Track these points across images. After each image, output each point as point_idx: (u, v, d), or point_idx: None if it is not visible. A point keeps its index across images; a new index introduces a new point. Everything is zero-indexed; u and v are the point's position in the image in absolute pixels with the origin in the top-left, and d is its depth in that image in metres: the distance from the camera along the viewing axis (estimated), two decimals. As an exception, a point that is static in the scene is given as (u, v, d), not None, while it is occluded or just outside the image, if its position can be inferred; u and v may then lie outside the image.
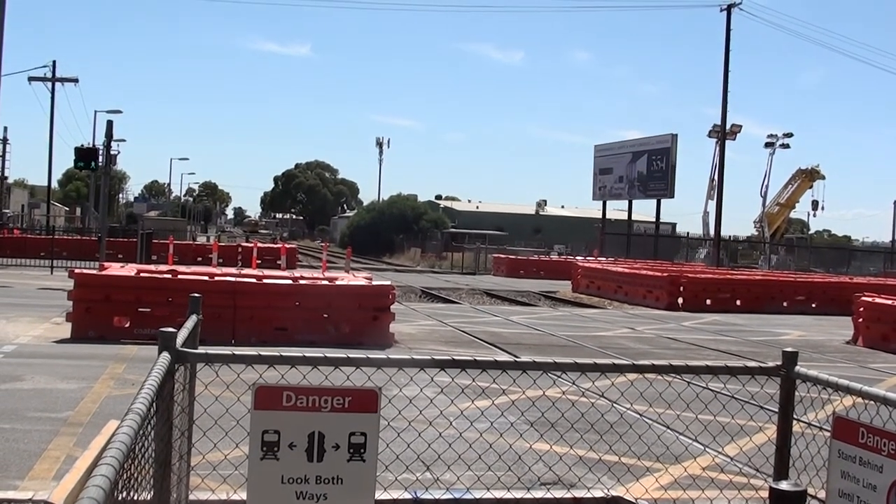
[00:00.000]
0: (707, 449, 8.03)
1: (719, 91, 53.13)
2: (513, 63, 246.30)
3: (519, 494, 5.97)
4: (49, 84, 58.21)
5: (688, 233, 74.16)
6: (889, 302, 19.82)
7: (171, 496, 4.03)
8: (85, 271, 17.32)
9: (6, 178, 70.42)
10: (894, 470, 3.77)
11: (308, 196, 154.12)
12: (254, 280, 16.13)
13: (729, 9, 52.11)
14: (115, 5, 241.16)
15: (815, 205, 71.54)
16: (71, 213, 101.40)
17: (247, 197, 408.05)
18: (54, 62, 58.35)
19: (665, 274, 30.56)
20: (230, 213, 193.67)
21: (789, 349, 4.73)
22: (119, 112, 57.31)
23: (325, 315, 15.45)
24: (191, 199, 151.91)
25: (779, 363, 4.70)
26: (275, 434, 3.81)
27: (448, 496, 6.02)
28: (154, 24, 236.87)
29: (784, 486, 4.09)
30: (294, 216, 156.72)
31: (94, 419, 8.47)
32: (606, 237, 62.53)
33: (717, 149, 57.92)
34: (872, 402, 4.20)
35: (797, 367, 4.65)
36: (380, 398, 3.91)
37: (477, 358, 4.44)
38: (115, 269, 16.99)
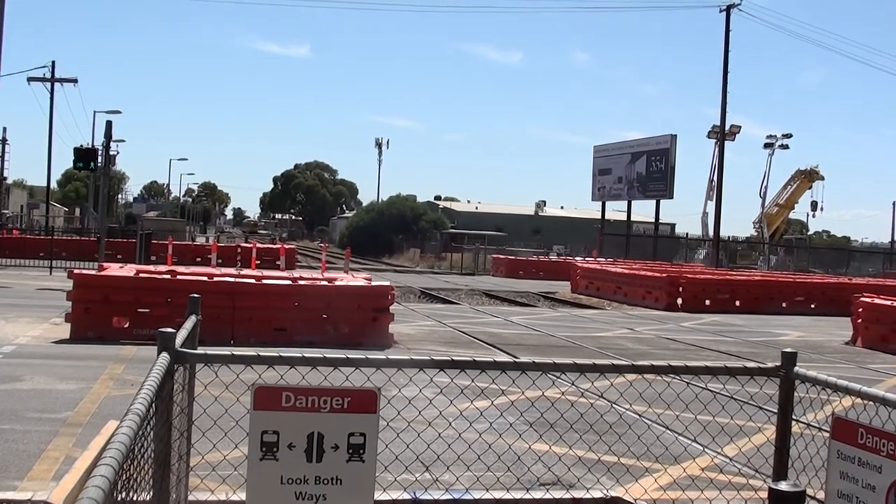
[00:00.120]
0: (706, 449, 8.03)
1: (719, 91, 53.21)
2: (512, 63, 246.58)
3: (518, 495, 5.97)
4: (48, 84, 58.10)
5: (687, 233, 74.26)
6: (888, 303, 19.83)
7: (170, 497, 4.03)
8: (84, 272, 17.31)
9: (5, 178, 70.39)
10: (893, 470, 3.77)
11: (307, 196, 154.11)
12: (253, 280, 16.12)
13: (728, 9, 52.14)
14: (114, 6, 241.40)
15: (814, 205, 71.61)
16: (70, 214, 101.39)
17: (246, 197, 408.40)
18: (53, 62, 58.34)
19: (664, 275, 30.57)
20: (229, 214, 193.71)
21: (788, 350, 4.73)
22: (118, 112, 57.13)
23: (325, 316, 15.44)
24: (190, 199, 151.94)
25: (778, 364, 4.70)
26: (274, 434, 3.81)
27: (447, 497, 6.03)
28: (153, 24, 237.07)
29: (783, 486, 4.09)
30: (293, 217, 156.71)
31: (94, 420, 8.47)
32: (606, 238, 62.53)
33: (717, 149, 57.97)
34: (871, 403, 4.20)
35: (796, 368, 4.65)
36: (379, 399, 3.91)
37: (476, 359, 4.44)
38: (115, 269, 16.98)
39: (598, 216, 69.94)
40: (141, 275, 15.77)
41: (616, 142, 69.48)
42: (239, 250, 40.57)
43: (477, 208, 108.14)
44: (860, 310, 20.10)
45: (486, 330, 18.84)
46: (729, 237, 70.27)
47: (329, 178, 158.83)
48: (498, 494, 5.98)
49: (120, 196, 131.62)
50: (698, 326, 22.56)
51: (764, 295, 29.15)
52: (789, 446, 4.67)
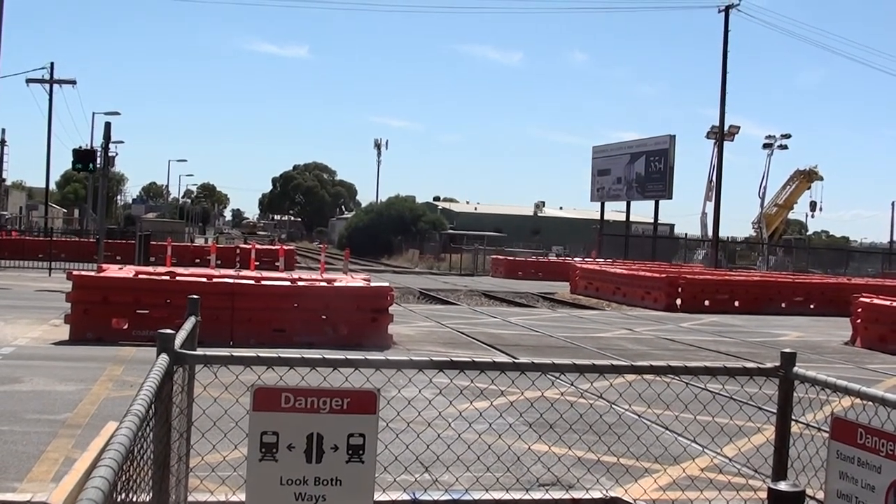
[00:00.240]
0: (705, 450, 8.04)
1: (717, 92, 53.19)
2: (511, 64, 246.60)
3: (517, 495, 5.97)
4: (47, 86, 58.14)
5: (686, 234, 74.29)
6: (887, 303, 19.84)
7: (169, 498, 4.04)
8: (83, 273, 17.32)
9: (4, 180, 70.35)
10: (892, 470, 3.77)
11: (306, 197, 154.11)
12: (252, 282, 16.13)
13: (727, 10, 52.15)
14: (112, 7, 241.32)
15: (813, 206, 71.64)
16: (69, 215, 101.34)
17: (245, 198, 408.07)
18: (52, 64, 58.32)
19: (663, 275, 30.58)
20: (228, 215, 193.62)
21: (787, 350, 4.74)
22: (117, 114, 57.14)
23: (324, 316, 15.45)
24: (189, 200, 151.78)
25: (777, 364, 4.70)
26: (273, 435, 3.81)
27: (447, 497, 6.03)
28: (152, 25, 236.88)
29: (782, 486, 4.09)
30: (292, 218, 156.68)
31: (93, 421, 8.47)
32: (604, 238, 62.53)
33: (716, 150, 57.95)
34: (871, 403, 4.21)
35: (795, 368, 4.65)
36: (378, 399, 3.91)
37: (475, 359, 4.44)
38: (114, 270, 16.97)
39: (597, 217, 69.96)
40: (140, 276, 15.77)
41: (615, 142, 69.53)
42: (238, 251, 40.55)
43: (476, 209, 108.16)
44: (859, 310, 20.11)
45: (485, 331, 18.84)
46: (728, 237, 70.36)
47: (328, 179, 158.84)
48: (497, 495, 5.98)
49: (119, 197, 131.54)
50: (697, 327, 22.57)
51: (763, 295, 29.16)
52: (788, 446, 4.67)
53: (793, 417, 4.74)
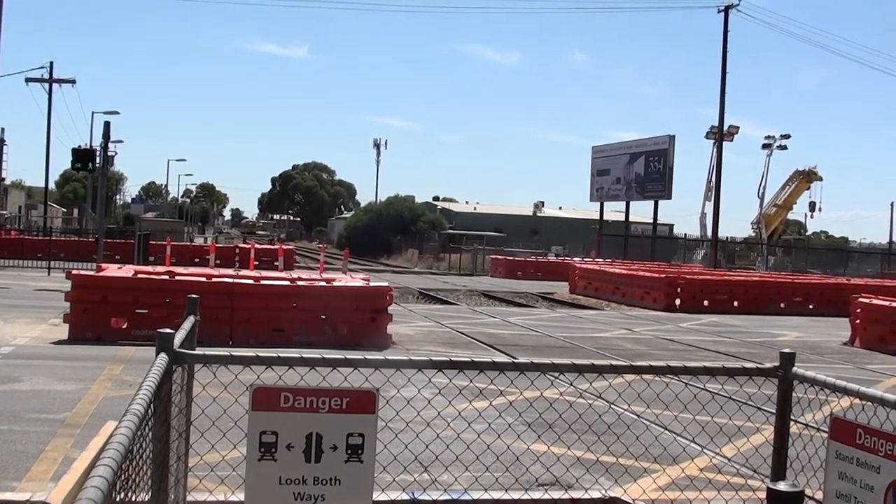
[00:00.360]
0: (704, 450, 8.04)
1: (717, 92, 53.15)
2: (510, 64, 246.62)
3: (516, 495, 5.98)
4: (46, 85, 58.11)
5: (685, 234, 74.28)
6: (886, 303, 19.84)
7: (168, 497, 4.04)
8: (82, 272, 17.32)
9: (3, 179, 70.29)
10: (892, 471, 3.77)
11: (305, 197, 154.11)
12: (251, 281, 16.12)
13: (726, 10, 52.14)
14: (112, 6, 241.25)
15: (812, 206, 71.69)
16: (68, 215, 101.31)
17: (244, 198, 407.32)
18: (52, 63, 58.30)
19: (662, 275, 30.57)
20: (227, 215, 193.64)
21: (787, 350, 4.74)
22: (116, 113, 57.00)
23: (323, 316, 15.44)
24: (188, 200, 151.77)
25: (776, 364, 4.71)
26: (272, 435, 3.81)
27: (446, 497, 6.03)
28: (151, 25, 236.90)
29: (782, 486, 4.10)
30: (291, 217, 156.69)
31: (92, 420, 8.47)
32: (604, 238, 62.54)
33: (715, 150, 57.98)
34: (870, 403, 4.21)
35: (794, 368, 4.66)
36: (377, 399, 3.91)
37: (474, 359, 4.44)
38: (113, 270, 16.97)
39: (597, 217, 69.94)
40: (139, 275, 15.76)
41: (614, 142, 69.52)
42: (237, 251, 40.56)
43: (475, 209, 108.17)
44: (858, 310, 20.11)
45: (485, 330, 18.84)
46: (727, 238, 70.30)
47: (327, 179, 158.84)
48: (496, 495, 5.98)
49: (118, 197, 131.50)
50: (696, 327, 22.58)
51: (762, 295, 29.17)
52: (787, 446, 4.67)
53: (792, 417, 4.75)
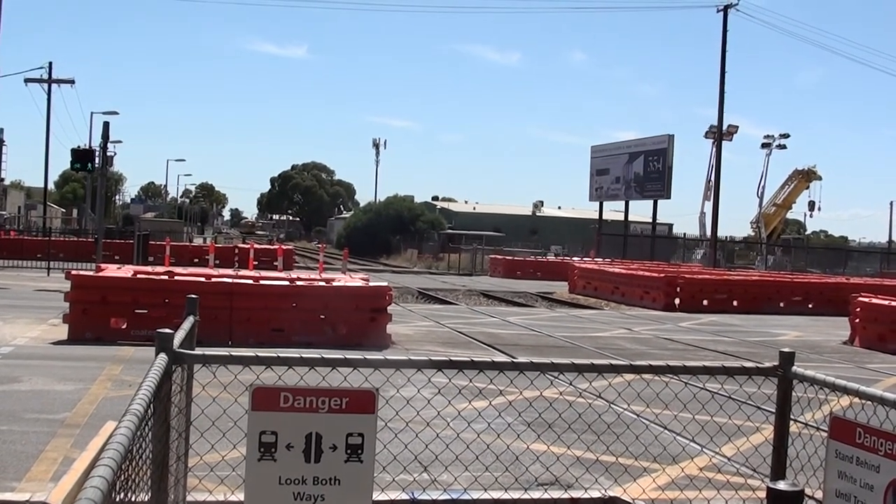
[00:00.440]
0: (704, 449, 8.04)
1: (716, 92, 53.22)
2: (510, 64, 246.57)
3: (516, 495, 5.98)
4: (45, 85, 58.14)
5: (685, 233, 74.30)
6: (885, 302, 19.84)
7: (168, 497, 4.03)
8: (82, 273, 17.31)
9: (3, 179, 70.29)
10: (891, 470, 3.78)
11: (305, 197, 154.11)
12: (251, 281, 16.12)
13: (725, 9, 52.16)
14: (111, 7, 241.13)
15: (811, 205, 71.65)
16: (67, 215, 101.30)
17: (243, 198, 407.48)
18: (51, 63, 58.35)
19: (662, 275, 30.58)
20: (227, 215, 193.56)
21: (786, 349, 4.74)
22: (115, 113, 57.03)
23: (322, 316, 15.44)
24: (187, 200, 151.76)
25: (776, 363, 4.71)
26: (272, 435, 3.81)
27: (445, 497, 6.03)
28: (151, 25, 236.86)
29: (781, 486, 4.10)
30: (291, 217, 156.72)
31: (92, 420, 8.47)
32: (603, 238, 62.54)
33: (714, 149, 58.00)
34: (869, 403, 4.21)
35: (794, 368, 4.66)
36: (377, 399, 3.91)
37: (474, 359, 4.44)
38: (112, 270, 16.97)
39: (596, 216, 69.96)
40: (138, 276, 15.76)
41: (613, 142, 69.56)
42: (236, 251, 40.54)
43: (474, 209, 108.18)
44: (858, 309, 20.11)
45: (484, 330, 18.85)
46: (726, 237, 70.35)
47: (326, 179, 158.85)
48: (496, 494, 5.98)
49: (117, 197, 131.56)
50: (696, 326, 22.58)
51: (761, 295, 29.17)
52: (787, 446, 4.67)
53: (791, 417, 4.75)
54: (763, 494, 4.26)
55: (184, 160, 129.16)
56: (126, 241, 39.48)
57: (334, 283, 16.57)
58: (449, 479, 6.22)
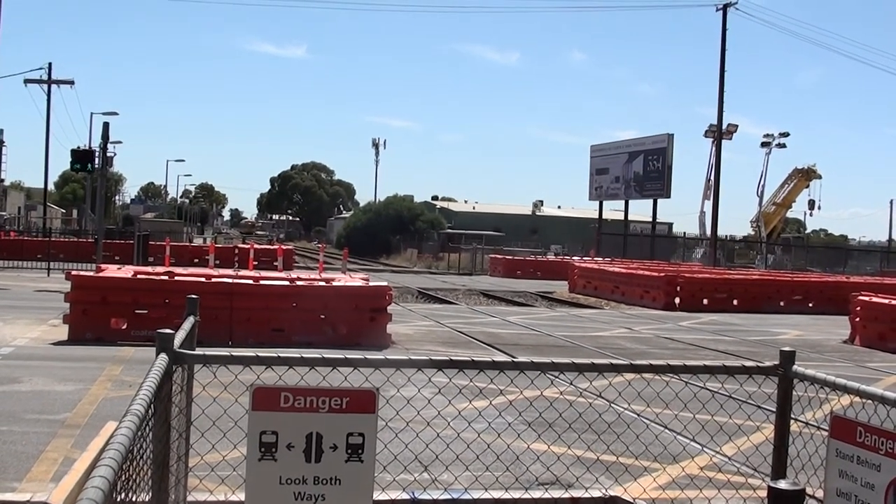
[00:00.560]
0: (705, 448, 8.04)
1: (716, 91, 53.20)
2: (509, 64, 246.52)
3: (517, 495, 5.98)
4: (45, 86, 58.14)
5: (684, 233, 74.33)
6: (886, 301, 19.84)
7: (169, 497, 4.03)
8: (82, 273, 17.32)
9: (2, 180, 70.29)
10: (892, 469, 3.77)
11: (304, 197, 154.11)
12: (251, 281, 16.12)
13: (725, 8, 52.14)
14: (111, 7, 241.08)
15: (811, 204, 71.67)
16: (67, 216, 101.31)
17: (243, 198, 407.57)
18: (50, 64, 58.32)
19: (662, 274, 30.57)
20: (227, 215, 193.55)
21: (786, 348, 4.74)
22: (115, 114, 57.18)
23: (323, 316, 15.44)
24: (187, 200, 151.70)
25: (776, 362, 4.70)
26: (273, 435, 3.81)
27: (446, 496, 6.03)
28: (150, 25, 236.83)
29: (782, 485, 4.09)
30: (290, 217, 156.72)
31: (92, 421, 8.47)
32: (603, 237, 62.56)
33: (714, 148, 58.01)
34: (870, 401, 4.21)
35: (794, 367, 4.65)
36: (377, 399, 3.91)
37: (474, 358, 4.44)
38: (112, 270, 16.96)
39: (596, 216, 69.95)
40: (139, 276, 15.76)
41: (613, 141, 69.57)
42: (236, 251, 40.54)
43: (474, 208, 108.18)
44: (858, 308, 20.11)
45: (484, 330, 18.85)
46: (726, 236, 70.40)
47: (326, 179, 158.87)
48: (496, 494, 5.98)
49: (117, 197, 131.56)
50: (696, 326, 22.58)
51: (762, 294, 29.16)
52: (788, 445, 4.67)
53: (792, 416, 4.75)
54: (764, 493, 4.26)
55: (183, 160, 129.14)
56: (126, 242, 39.49)
57: (334, 283, 16.57)
58: (449, 478, 6.22)
